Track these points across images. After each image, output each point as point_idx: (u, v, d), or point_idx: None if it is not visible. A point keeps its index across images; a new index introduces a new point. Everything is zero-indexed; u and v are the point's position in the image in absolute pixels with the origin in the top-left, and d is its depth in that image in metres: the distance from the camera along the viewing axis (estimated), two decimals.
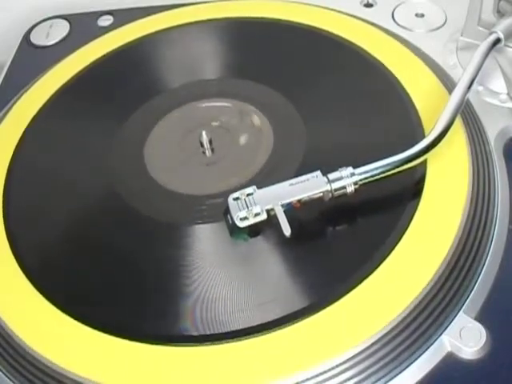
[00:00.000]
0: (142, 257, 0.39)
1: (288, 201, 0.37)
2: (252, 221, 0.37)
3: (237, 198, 0.37)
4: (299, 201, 0.37)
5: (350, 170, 0.37)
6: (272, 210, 0.37)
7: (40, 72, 0.52)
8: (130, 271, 0.39)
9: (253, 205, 0.37)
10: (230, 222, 0.37)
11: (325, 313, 0.34)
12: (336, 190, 0.37)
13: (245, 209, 0.37)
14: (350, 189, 0.37)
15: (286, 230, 0.36)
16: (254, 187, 0.38)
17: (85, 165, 0.45)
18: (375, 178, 0.38)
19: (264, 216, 0.37)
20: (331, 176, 0.37)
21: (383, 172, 0.37)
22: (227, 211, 0.37)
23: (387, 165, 0.37)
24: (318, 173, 0.38)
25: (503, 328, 0.35)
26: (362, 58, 0.47)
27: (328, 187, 0.37)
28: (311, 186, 0.37)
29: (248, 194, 0.37)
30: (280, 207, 0.36)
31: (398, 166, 0.38)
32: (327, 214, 0.39)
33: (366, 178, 0.37)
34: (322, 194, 0.37)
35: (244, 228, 0.37)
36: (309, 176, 0.38)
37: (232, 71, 0.50)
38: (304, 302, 0.35)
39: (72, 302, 0.37)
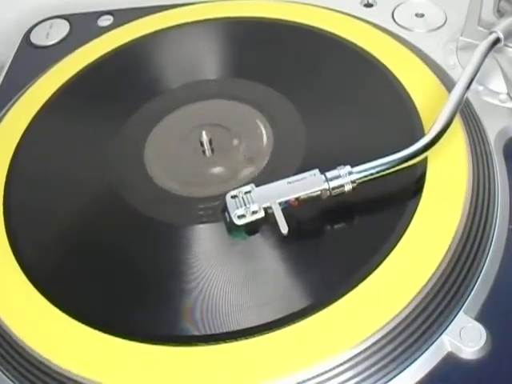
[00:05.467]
0: (142, 257, 0.39)
1: (286, 199, 0.37)
2: (249, 218, 0.37)
3: (234, 196, 0.37)
4: (297, 199, 0.37)
5: (348, 168, 0.37)
6: (270, 207, 0.37)
7: (40, 72, 0.52)
8: (129, 271, 0.38)
9: (250, 203, 0.37)
10: (228, 219, 0.37)
11: (324, 313, 0.34)
12: (334, 188, 0.37)
13: (242, 206, 0.37)
14: (348, 187, 0.37)
15: (283, 228, 0.36)
16: (252, 185, 0.38)
17: (85, 165, 0.45)
18: (373, 176, 0.37)
19: (261, 214, 0.37)
20: (329, 174, 0.37)
21: (381, 171, 0.37)
22: (225, 209, 0.37)
23: (385, 163, 0.37)
24: (316, 171, 0.38)
25: (503, 328, 0.34)
26: (362, 57, 0.47)
27: (326, 185, 0.37)
28: (309, 184, 0.37)
29: (246, 192, 0.37)
30: (277, 205, 0.36)
31: (395, 165, 0.37)
32: (326, 213, 0.39)
33: (364, 177, 0.37)
34: (319, 193, 0.37)
35: (241, 226, 0.37)
36: (307, 174, 0.37)
37: (231, 71, 0.50)
38: (303, 302, 0.35)
39: (72, 301, 0.37)
